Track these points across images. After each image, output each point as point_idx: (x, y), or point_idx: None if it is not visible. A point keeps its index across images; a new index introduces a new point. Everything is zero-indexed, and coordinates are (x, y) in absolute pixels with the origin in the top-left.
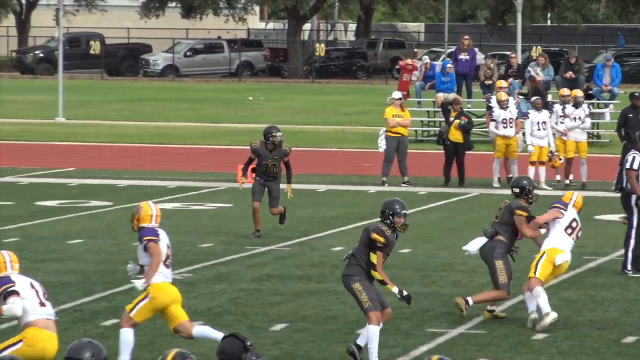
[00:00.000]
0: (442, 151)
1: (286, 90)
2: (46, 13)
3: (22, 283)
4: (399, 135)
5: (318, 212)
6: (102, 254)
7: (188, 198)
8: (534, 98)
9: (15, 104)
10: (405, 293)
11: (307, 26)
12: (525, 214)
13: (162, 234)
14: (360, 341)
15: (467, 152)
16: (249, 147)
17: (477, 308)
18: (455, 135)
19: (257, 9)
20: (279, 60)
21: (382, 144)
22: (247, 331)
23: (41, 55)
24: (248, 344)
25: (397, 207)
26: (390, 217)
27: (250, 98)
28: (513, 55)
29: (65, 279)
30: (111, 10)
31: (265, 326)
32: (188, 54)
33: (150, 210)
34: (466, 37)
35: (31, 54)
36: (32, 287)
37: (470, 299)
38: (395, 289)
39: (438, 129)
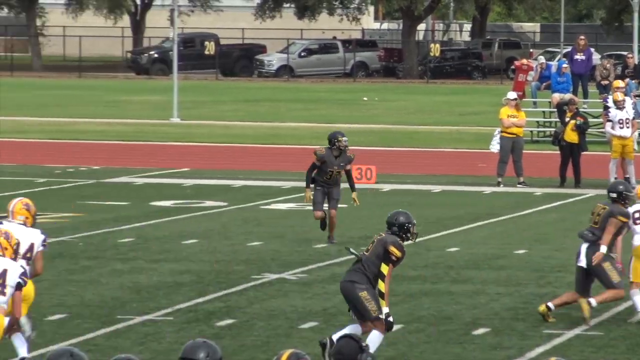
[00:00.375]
0: (558, 152)
1: (401, 90)
2: (161, 13)
3: None
4: (514, 135)
5: (433, 213)
6: (217, 254)
7: (303, 198)
8: None
9: (130, 104)
10: (390, 319)
11: (421, 26)
12: (626, 219)
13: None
14: (335, 336)
15: (582, 152)
16: (314, 154)
17: (594, 309)
18: (571, 136)
19: (371, 9)
20: (393, 61)
21: (495, 145)
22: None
23: (156, 55)
24: (363, 344)
25: (412, 219)
26: (410, 229)
27: (365, 98)
28: (630, 55)
29: (180, 279)
30: (226, 11)
31: None
32: (303, 54)
33: (9, 207)
34: (582, 37)
35: (146, 55)
36: None
37: (593, 300)
38: (386, 309)
39: (554, 129)
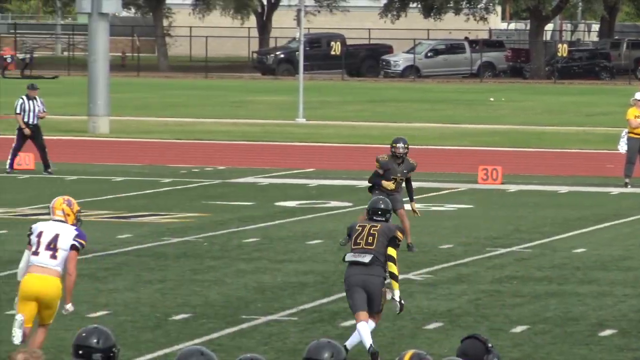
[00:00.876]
0: None
1: (528, 90)
2: (287, 14)
3: (35, 232)
4: None
5: (560, 214)
6: (341, 254)
7: (428, 199)
8: None
9: (256, 104)
10: (402, 301)
11: (549, 26)
12: None
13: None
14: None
15: None
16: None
17: None
18: None
19: (498, 9)
20: (520, 61)
21: (622, 145)
22: (487, 333)
23: (282, 56)
24: (489, 345)
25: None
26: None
27: (491, 99)
28: None
29: (304, 279)
30: (353, 11)
31: (505, 328)
32: (429, 54)
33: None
34: None
35: (272, 55)
36: (39, 236)
37: None
38: (397, 292)
39: None
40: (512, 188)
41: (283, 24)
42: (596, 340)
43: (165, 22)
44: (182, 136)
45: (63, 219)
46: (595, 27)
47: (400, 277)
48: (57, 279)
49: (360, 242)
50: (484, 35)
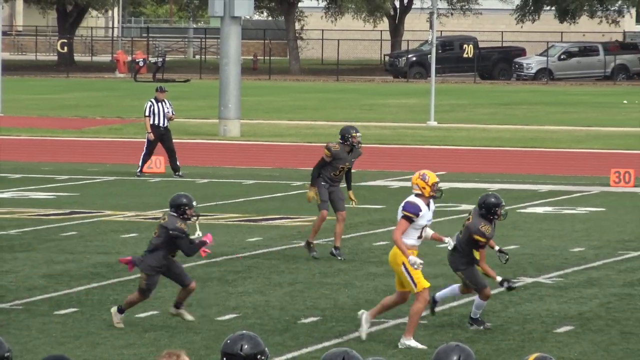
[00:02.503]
0: None
1: None
2: (420, 17)
3: None
4: None
5: None
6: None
7: (560, 202)
8: None
9: (388, 107)
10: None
11: None
12: None
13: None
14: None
15: None
16: (324, 148)
17: None
18: None
19: (632, 11)
20: None
21: None
22: (618, 337)
23: (414, 59)
24: None
25: (501, 200)
26: (497, 211)
27: (625, 102)
28: None
29: (434, 282)
30: (485, 14)
31: (636, 331)
32: (562, 57)
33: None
34: None
35: (404, 58)
36: None
37: None
38: (499, 278)
39: None
40: None
41: (415, 26)
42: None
43: (297, 26)
44: (313, 139)
45: None
46: None
47: (530, 280)
48: None
49: None
50: (618, 38)
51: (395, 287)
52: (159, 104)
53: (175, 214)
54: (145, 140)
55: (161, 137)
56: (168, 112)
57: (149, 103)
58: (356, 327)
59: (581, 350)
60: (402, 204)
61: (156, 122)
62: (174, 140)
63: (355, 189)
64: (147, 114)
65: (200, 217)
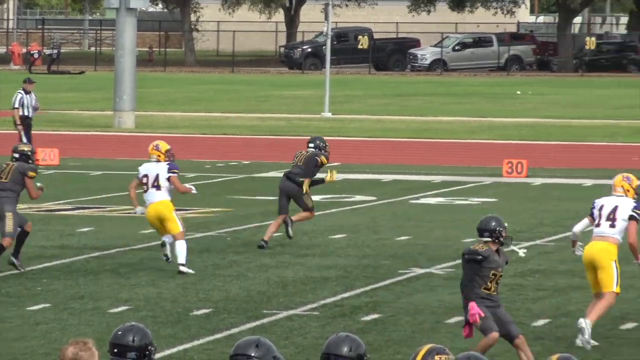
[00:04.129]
0: None
1: (555, 84)
2: (315, 8)
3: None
4: None
5: (584, 207)
6: (364, 248)
7: (453, 193)
8: None
9: (283, 99)
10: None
11: (577, 19)
12: None
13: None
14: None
15: None
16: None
17: None
18: None
19: (527, 1)
20: (548, 54)
21: None
22: None
23: (309, 50)
24: None
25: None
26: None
27: (518, 92)
28: None
29: (326, 274)
30: (380, 5)
31: (527, 321)
32: (456, 48)
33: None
34: None
35: (299, 49)
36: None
37: None
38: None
39: None
40: (537, 181)
41: (310, 18)
42: (617, 334)
43: (193, 17)
44: (207, 131)
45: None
46: (624, 20)
47: (422, 271)
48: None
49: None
50: (512, 29)
51: (592, 290)
52: (28, 95)
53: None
54: (20, 132)
55: (28, 127)
56: (35, 103)
57: (19, 95)
58: (248, 318)
59: (471, 340)
60: (635, 204)
61: (25, 113)
62: (59, 132)
63: (249, 181)
64: (16, 105)
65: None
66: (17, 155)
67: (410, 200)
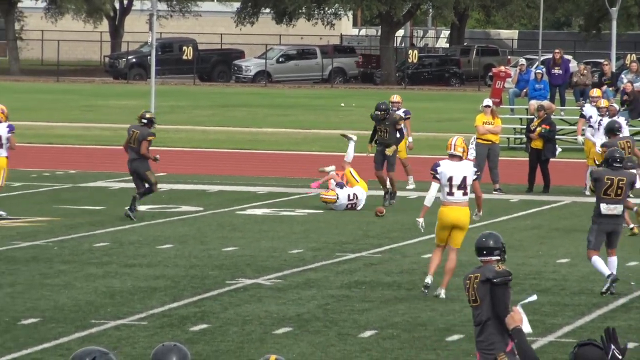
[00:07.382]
0: None
1: (378, 96)
2: (139, 18)
3: None
4: (490, 142)
5: (409, 219)
6: (192, 259)
7: (278, 204)
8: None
9: (108, 108)
10: None
11: (399, 32)
12: None
13: None
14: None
15: (551, 159)
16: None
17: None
18: (537, 143)
19: (349, 14)
20: (371, 67)
21: (471, 152)
22: (336, 337)
23: (134, 60)
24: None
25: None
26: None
27: (342, 104)
28: (606, 62)
29: (154, 284)
30: (205, 16)
31: (354, 333)
32: (280, 59)
33: None
34: (557, 50)
35: (124, 59)
36: None
37: None
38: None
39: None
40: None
41: (135, 28)
42: (443, 345)
43: (17, 26)
44: (32, 140)
45: None
46: (445, 33)
47: (249, 282)
48: None
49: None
50: (336, 41)
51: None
52: None
53: None
54: None
55: None
56: None
57: None
58: (77, 328)
59: (299, 351)
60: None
61: None
62: None
63: (75, 190)
64: None
65: None
66: (144, 121)
67: (236, 211)
